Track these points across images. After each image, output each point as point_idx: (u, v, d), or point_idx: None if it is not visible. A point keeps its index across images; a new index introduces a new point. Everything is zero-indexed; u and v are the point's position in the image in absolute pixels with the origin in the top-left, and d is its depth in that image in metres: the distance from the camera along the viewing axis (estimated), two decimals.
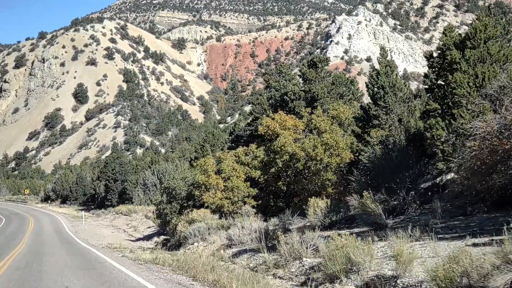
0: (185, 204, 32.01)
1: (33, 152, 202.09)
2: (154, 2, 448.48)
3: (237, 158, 26.70)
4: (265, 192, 26.31)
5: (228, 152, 28.06)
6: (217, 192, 24.87)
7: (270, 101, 33.67)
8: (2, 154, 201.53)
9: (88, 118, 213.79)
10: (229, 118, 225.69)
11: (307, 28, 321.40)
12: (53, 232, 41.74)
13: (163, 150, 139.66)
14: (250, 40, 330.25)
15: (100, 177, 77.39)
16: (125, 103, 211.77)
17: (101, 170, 78.71)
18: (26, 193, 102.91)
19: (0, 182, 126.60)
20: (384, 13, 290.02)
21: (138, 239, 37.17)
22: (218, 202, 24.54)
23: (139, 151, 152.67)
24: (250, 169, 25.56)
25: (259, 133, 24.59)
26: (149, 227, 41.93)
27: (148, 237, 37.66)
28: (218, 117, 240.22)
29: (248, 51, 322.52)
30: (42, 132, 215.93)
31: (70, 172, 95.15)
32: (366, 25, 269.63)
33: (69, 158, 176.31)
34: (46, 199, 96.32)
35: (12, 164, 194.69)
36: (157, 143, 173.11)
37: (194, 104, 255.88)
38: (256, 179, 25.06)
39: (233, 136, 40.23)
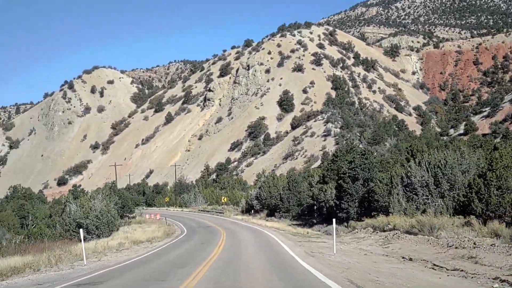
0: None
1: (235, 163, 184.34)
2: (360, 18, 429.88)
3: None
4: None
5: None
6: None
7: None
8: (204, 165, 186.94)
9: (294, 127, 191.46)
10: (451, 130, 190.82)
11: None
12: (270, 269, 16.63)
13: None
14: (472, 46, 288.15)
15: (326, 177, 49.66)
16: (335, 110, 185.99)
17: (328, 167, 51.02)
18: (223, 201, 79.73)
19: (196, 191, 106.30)
20: None
21: None
22: None
23: None
24: None
25: None
26: None
27: None
28: (438, 129, 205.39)
29: (470, 58, 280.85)
30: (244, 143, 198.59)
31: (279, 176, 69.71)
32: None
33: (273, 169, 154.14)
34: (248, 210, 71.53)
35: (213, 176, 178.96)
36: (375, 153, 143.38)
37: (410, 114, 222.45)
38: None
39: None
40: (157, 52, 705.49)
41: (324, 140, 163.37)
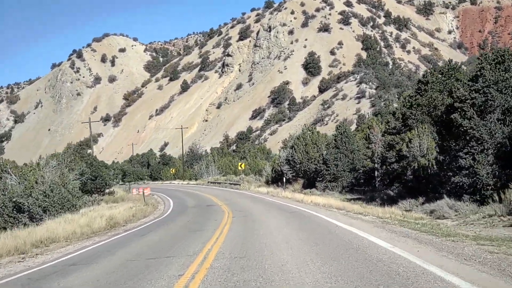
0: None
1: (257, 132, 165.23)
2: None
3: None
4: None
5: None
6: None
7: None
8: (223, 135, 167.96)
9: (322, 90, 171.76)
10: None
11: None
12: None
13: None
14: None
15: (409, 119, 30.01)
16: (368, 71, 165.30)
17: (411, 102, 31.19)
18: (240, 168, 59.78)
19: (209, 160, 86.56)
20: None
21: None
22: None
23: None
24: None
25: None
26: None
27: None
28: None
29: (511, 14, 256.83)
30: (267, 110, 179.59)
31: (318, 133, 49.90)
32: None
33: None
34: (276, 179, 51.42)
35: (233, 147, 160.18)
36: None
37: None
38: None
39: None
40: (175, 24, 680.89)
41: (358, 103, 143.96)
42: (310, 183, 42.85)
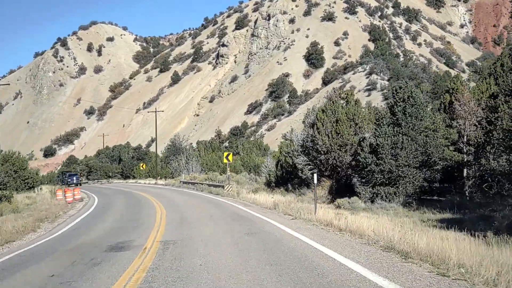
0: None
1: (253, 128, 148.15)
2: None
3: None
4: None
5: None
6: None
7: None
8: (215, 131, 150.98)
9: (326, 82, 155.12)
10: None
11: None
12: None
13: None
14: None
15: None
16: (378, 61, 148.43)
17: None
18: (227, 161, 39.77)
19: (190, 154, 68.67)
20: None
21: None
22: None
23: None
24: None
25: None
26: None
27: None
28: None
29: None
30: (264, 104, 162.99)
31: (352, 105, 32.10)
32: None
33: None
34: (284, 180, 32.66)
35: (226, 144, 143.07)
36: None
37: (463, 71, 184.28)
38: None
39: None
40: (170, 17, 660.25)
41: (368, 95, 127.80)
42: (342, 187, 24.82)
